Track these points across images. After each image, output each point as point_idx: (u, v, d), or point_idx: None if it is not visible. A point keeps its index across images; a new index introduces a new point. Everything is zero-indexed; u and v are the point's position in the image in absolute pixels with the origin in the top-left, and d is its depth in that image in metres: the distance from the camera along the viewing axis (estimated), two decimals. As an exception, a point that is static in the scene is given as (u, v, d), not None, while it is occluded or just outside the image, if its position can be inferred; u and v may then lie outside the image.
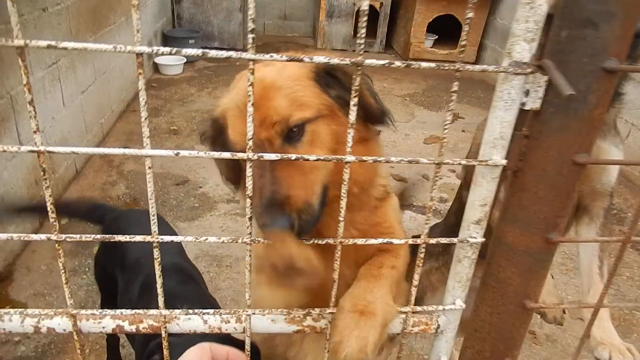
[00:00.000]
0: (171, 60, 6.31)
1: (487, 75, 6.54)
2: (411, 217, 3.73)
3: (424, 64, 0.66)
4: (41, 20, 3.33)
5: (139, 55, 0.59)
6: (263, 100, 0.91)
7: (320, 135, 0.98)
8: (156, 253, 0.77)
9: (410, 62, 0.65)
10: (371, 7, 7.57)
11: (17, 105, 3.01)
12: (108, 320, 0.84)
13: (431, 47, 7.41)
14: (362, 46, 0.63)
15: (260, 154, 0.69)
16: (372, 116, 1.04)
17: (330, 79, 0.98)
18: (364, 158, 0.73)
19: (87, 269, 2.92)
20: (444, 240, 0.86)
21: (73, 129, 3.85)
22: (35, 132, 0.63)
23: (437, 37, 7.40)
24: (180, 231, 3.26)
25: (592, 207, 1.39)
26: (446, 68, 0.66)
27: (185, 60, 6.42)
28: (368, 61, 0.63)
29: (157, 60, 6.27)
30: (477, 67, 0.66)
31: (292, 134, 0.94)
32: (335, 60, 0.63)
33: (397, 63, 0.64)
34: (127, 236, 0.74)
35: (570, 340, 2.70)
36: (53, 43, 0.55)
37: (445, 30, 7.26)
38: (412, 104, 5.97)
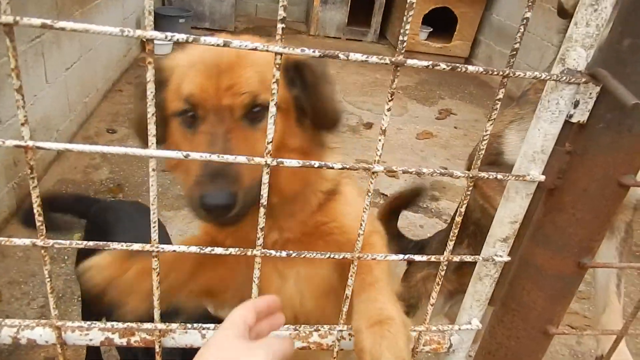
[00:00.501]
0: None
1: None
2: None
3: (471, 68, 0.59)
4: (25, -9, 3.15)
5: (150, 41, 0.51)
6: (235, 67, 0.87)
7: (277, 126, 0.93)
8: (155, 263, 0.69)
9: (456, 65, 0.57)
10: (367, -5, 7.43)
11: (-3, 81, 2.85)
12: (96, 333, 0.77)
13: (425, 40, 7.32)
14: (405, 44, 0.55)
15: (280, 160, 0.62)
16: (325, 121, 0.98)
17: (296, 77, 0.93)
18: (394, 168, 0.66)
19: (66, 257, 2.80)
20: (468, 259, 0.79)
21: (56, 107, 3.69)
22: (23, 124, 0.54)
23: (431, 29, 7.32)
24: (166, 220, 3.15)
25: (614, 220, 1.33)
26: (495, 74, 0.59)
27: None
28: (410, 61, 0.56)
29: (146, 39, 6.04)
30: (528, 74, 0.59)
31: (253, 114, 0.90)
32: (374, 59, 0.55)
33: (442, 65, 0.57)
34: (124, 244, 0.66)
35: (558, 347, 2.67)
36: (48, 22, 0.46)
37: (440, 23, 7.17)
38: (404, 97, 5.89)
